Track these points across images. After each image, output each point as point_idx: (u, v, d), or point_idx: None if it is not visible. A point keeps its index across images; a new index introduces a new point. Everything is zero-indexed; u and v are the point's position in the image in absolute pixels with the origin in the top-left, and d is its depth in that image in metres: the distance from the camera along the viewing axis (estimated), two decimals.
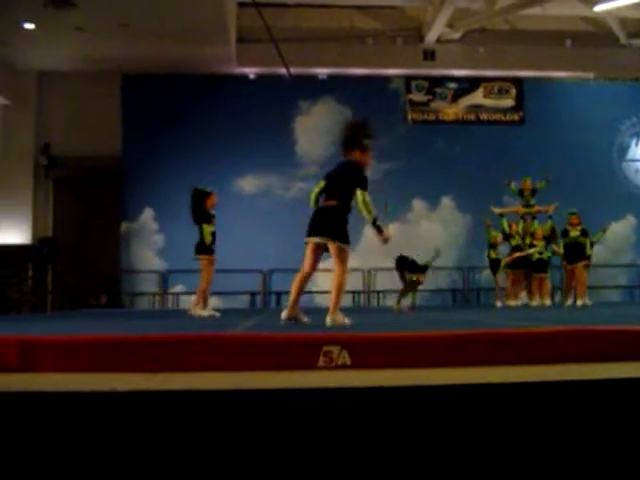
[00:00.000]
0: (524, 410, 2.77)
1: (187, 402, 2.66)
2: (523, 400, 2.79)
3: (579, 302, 14.29)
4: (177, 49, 16.43)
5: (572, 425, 2.79)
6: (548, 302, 15.03)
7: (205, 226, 10.72)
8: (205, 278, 10.83)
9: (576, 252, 14.52)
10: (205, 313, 10.50)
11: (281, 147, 18.19)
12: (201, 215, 10.77)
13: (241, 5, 17.78)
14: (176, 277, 17.54)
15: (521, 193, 15.74)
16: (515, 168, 18.31)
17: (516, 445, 2.75)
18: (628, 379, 2.94)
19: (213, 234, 10.83)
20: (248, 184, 18.15)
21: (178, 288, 17.70)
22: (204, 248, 10.75)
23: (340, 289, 7.26)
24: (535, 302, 14.89)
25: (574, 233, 14.62)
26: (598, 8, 18.31)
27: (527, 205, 15.61)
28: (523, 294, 15.57)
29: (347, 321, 6.97)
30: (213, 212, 10.86)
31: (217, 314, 10.44)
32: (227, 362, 3.22)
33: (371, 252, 16.96)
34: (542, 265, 14.99)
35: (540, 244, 15.02)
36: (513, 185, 15.99)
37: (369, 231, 17.13)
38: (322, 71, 19.34)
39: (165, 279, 17.69)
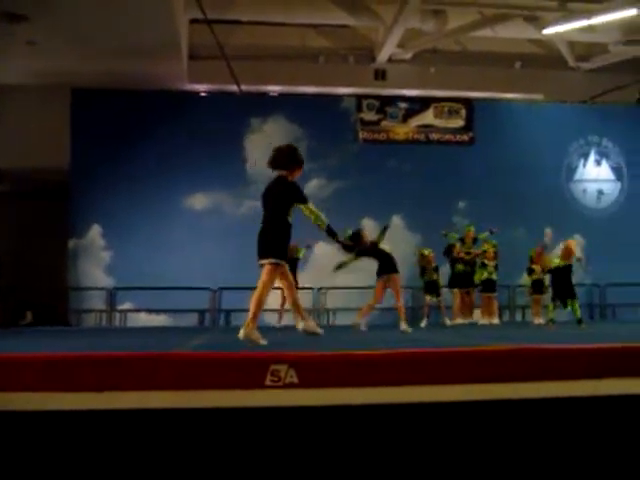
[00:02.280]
0: (471, 428, 2.75)
1: (134, 421, 2.59)
2: (472, 418, 2.77)
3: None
4: (128, 65, 16.29)
5: (522, 441, 2.78)
6: (496, 321, 15.19)
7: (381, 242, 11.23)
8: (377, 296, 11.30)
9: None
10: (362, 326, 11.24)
11: (231, 165, 18.10)
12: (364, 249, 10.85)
13: (193, 22, 17.70)
14: (124, 295, 17.36)
15: (462, 240, 15.80)
16: (465, 188, 18.53)
17: (462, 462, 2.73)
18: (569, 398, 2.94)
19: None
20: (198, 201, 18.03)
21: (126, 305, 17.51)
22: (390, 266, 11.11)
23: (259, 303, 7.26)
24: (484, 321, 15.04)
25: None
26: (547, 31, 18.54)
27: (467, 253, 15.71)
28: (473, 313, 15.72)
29: (262, 341, 6.91)
30: None
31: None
32: (174, 381, 3.16)
33: (322, 271, 16.98)
34: (491, 285, 15.19)
35: (491, 264, 15.20)
36: (452, 235, 16.10)
37: (320, 249, 17.25)
38: (274, 89, 19.36)
39: (113, 296, 17.47)
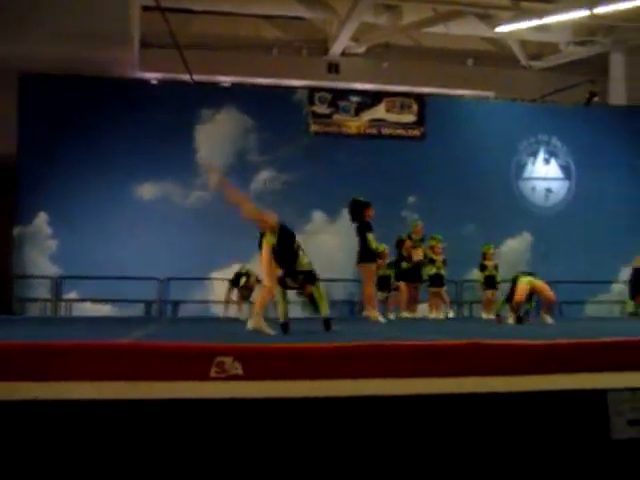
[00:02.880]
0: (417, 422, 2.74)
1: (74, 411, 2.54)
2: (420, 412, 2.76)
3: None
4: (78, 50, 16.02)
5: (469, 436, 2.77)
6: (442, 316, 15.29)
7: (368, 234, 11.32)
8: (369, 283, 11.56)
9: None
10: (381, 318, 11.17)
11: (181, 155, 17.89)
12: (363, 225, 11.35)
13: (146, 9, 17.53)
14: (70, 284, 17.13)
15: (410, 237, 15.78)
16: (415, 183, 18.57)
17: (410, 456, 2.71)
18: (519, 393, 2.94)
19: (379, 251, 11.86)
20: (147, 191, 17.81)
21: (72, 295, 17.28)
22: (369, 256, 11.34)
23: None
24: (432, 315, 15.13)
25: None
26: (500, 29, 18.72)
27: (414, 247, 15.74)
28: (419, 307, 15.78)
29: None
30: None
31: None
32: (116, 371, 3.10)
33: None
34: (438, 280, 15.27)
35: (439, 259, 15.28)
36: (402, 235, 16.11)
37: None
38: (226, 79, 19.25)
39: (58, 285, 17.23)
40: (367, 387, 3.04)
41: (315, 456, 2.68)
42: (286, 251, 7.53)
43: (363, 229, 11.25)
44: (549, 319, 11.47)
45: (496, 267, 15.58)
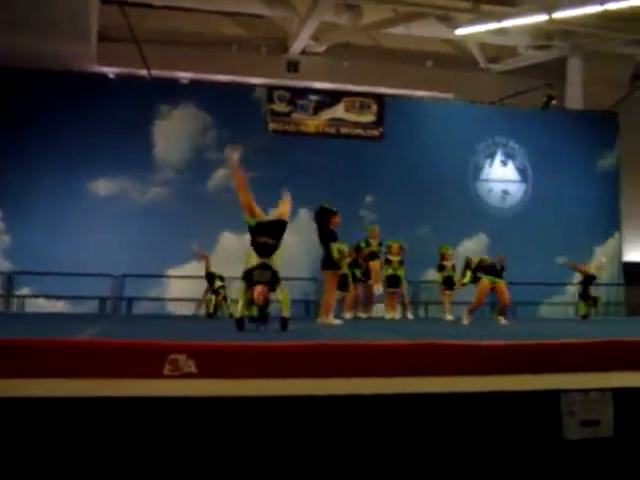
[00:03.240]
0: (371, 421, 2.72)
1: (24, 409, 2.49)
2: (373, 411, 2.74)
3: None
4: (35, 43, 15.82)
5: (407, 436, 2.76)
6: (397, 316, 15.34)
7: (332, 244, 11.19)
8: (330, 291, 11.40)
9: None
10: (335, 321, 10.98)
11: (138, 150, 17.74)
12: (327, 234, 11.21)
13: (105, 2, 17.36)
14: (23, 279, 16.90)
15: (367, 242, 15.76)
16: (373, 183, 18.60)
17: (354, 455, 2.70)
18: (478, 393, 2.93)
19: (340, 251, 11.53)
20: (102, 187, 17.60)
21: (24, 291, 17.05)
22: (331, 264, 11.24)
23: None
24: (389, 315, 15.16)
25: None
26: (459, 32, 18.80)
27: (373, 253, 15.73)
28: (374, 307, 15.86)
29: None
30: None
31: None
32: (68, 368, 3.04)
33: (227, 261, 16.80)
34: (395, 280, 15.31)
35: (395, 260, 15.32)
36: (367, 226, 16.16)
37: (224, 239, 17.18)
38: (184, 75, 19.08)
39: (11, 281, 17.00)
40: (321, 386, 3.02)
41: (268, 454, 2.66)
42: (273, 240, 7.76)
43: (327, 238, 11.19)
44: (503, 320, 11.55)
45: (454, 267, 15.62)
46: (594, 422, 2.98)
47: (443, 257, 15.69)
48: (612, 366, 3.56)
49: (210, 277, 14.70)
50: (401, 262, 15.52)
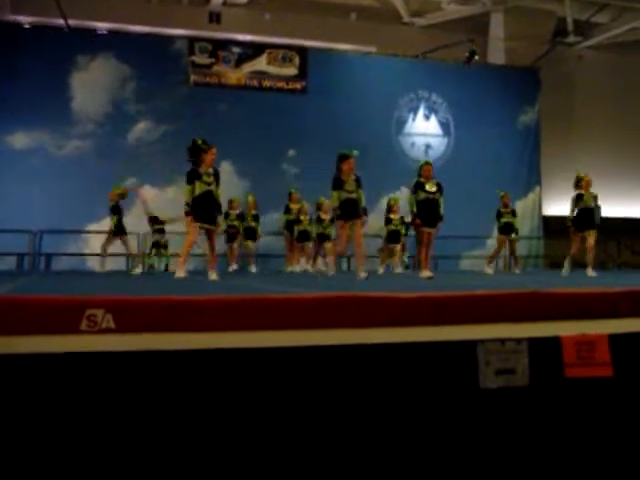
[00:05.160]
0: (298, 373, 2.70)
1: None
2: (298, 364, 2.73)
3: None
4: None
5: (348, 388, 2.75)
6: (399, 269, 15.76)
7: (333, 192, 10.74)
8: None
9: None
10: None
11: (56, 103, 17.33)
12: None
13: None
14: None
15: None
16: (295, 137, 18.52)
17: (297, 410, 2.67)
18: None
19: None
20: (18, 140, 17.15)
21: None
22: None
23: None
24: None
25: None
26: None
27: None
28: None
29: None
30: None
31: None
32: None
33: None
34: (396, 236, 15.42)
35: (396, 217, 15.32)
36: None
37: (145, 192, 16.98)
38: (102, 25, 18.58)
39: None
40: (232, 339, 2.97)
41: (190, 411, 2.62)
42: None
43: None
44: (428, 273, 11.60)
45: (402, 220, 15.56)
46: (510, 370, 3.00)
47: (391, 209, 15.60)
48: (528, 317, 3.61)
49: (154, 220, 14.49)
50: (402, 219, 15.55)
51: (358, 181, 10.94)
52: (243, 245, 16.11)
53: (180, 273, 9.74)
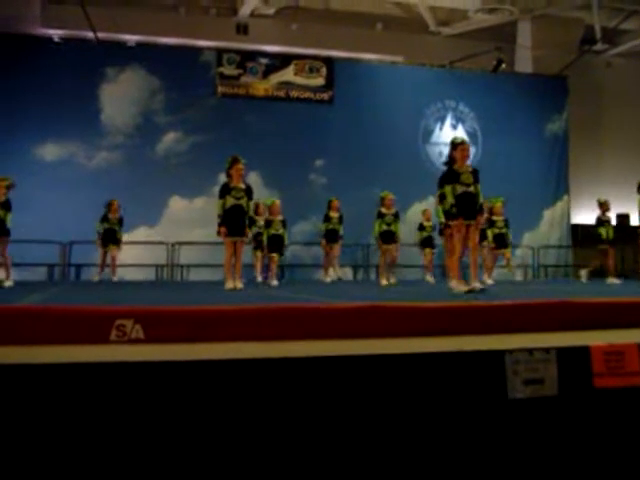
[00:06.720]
0: (314, 384, 2.72)
1: None
2: (317, 374, 2.73)
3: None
4: None
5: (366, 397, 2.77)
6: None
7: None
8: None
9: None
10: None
11: (85, 115, 17.49)
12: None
13: None
14: None
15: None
16: (323, 147, 18.58)
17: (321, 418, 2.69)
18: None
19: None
20: (49, 152, 17.34)
21: None
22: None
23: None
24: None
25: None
26: None
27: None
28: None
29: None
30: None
31: None
32: (12, 335, 2.99)
33: (176, 225, 16.73)
34: (390, 236, 15.20)
35: (389, 212, 15.31)
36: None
37: (174, 203, 17.04)
38: (132, 38, 18.74)
39: None
40: (273, 349, 2.99)
41: (216, 420, 2.64)
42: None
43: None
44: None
45: (434, 228, 15.42)
46: (538, 381, 3.01)
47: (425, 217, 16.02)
48: (556, 326, 3.61)
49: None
50: (396, 215, 14.00)
51: (475, 173, 9.15)
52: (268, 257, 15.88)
53: (229, 284, 10.28)
